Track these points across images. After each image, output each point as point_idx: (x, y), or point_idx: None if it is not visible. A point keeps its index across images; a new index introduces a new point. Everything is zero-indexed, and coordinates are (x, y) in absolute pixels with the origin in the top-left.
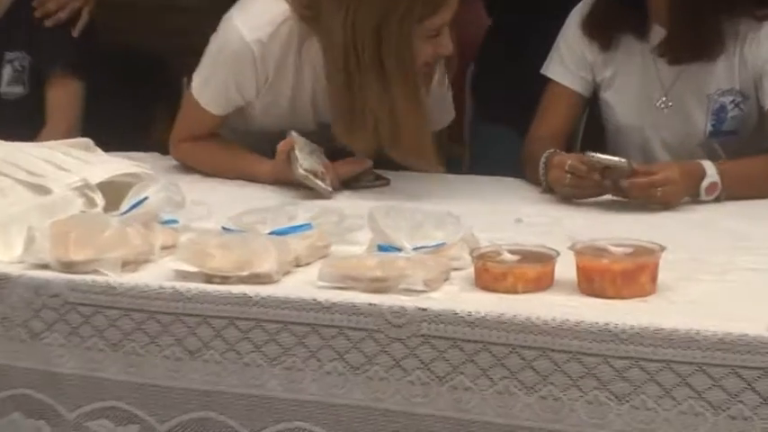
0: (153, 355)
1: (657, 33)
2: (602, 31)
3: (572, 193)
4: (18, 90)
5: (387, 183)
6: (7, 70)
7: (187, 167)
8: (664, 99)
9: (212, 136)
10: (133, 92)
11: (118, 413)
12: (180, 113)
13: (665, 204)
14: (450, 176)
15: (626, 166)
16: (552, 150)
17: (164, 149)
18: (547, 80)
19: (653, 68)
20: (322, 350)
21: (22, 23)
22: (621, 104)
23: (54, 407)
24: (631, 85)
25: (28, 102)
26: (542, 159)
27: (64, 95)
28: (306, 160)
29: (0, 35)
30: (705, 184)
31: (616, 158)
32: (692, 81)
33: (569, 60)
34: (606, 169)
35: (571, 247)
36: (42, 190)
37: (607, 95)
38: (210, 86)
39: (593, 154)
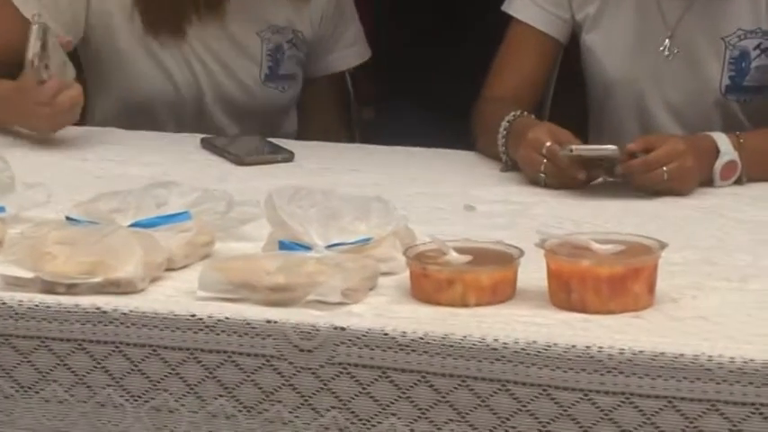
0: None
1: None
2: None
3: (547, 182)
4: None
5: (290, 157)
6: None
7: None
8: (667, 43)
9: None
10: None
11: None
12: None
13: (678, 190)
14: (376, 148)
15: (616, 153)
16: (517, 113)
17: None
18: (507, 19)
19: (653, 1)
20: (204, 384)
21: None
22: (610, 51)
23: None
24: (624, 24)
25: None
26: (502, 125)
27: None
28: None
29: None
30: (720, 164)
31: (603, 147)
32: (704, 18)
33: None
34: (593, 161)
35: (540, 244)
36: None
37: (590, 39)
38: None
39: (574, 147)
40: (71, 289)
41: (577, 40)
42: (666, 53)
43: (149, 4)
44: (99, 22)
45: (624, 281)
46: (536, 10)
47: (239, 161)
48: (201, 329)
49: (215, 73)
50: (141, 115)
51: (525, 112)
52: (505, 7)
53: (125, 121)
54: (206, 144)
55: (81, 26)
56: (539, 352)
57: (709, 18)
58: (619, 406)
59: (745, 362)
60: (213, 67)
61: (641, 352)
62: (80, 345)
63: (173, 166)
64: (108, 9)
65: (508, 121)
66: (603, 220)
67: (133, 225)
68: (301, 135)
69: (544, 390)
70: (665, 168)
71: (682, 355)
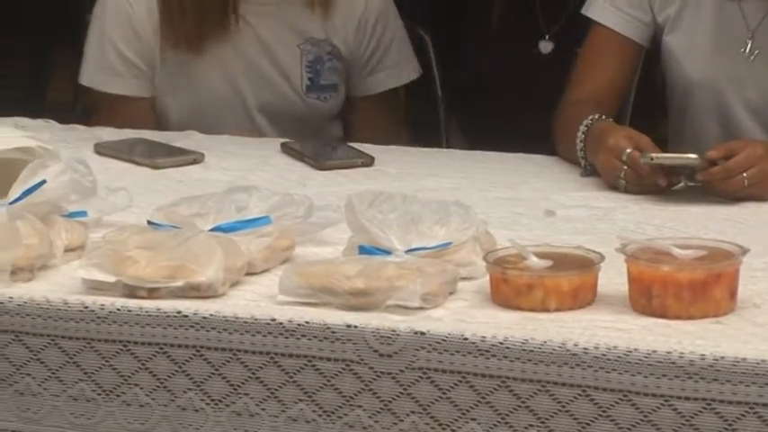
0: (53, 394)
1: None
2: None
3: (628, 188)
4: None
5: (370, 162)
6: None
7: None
8: (748, 44)
9: None
10: (24, 34)
11: None
12: None
13: (759, 195)
14: (456, 152)
15: (697, 162)
16: (595, 116)
17: (60, 114)
18: (588, 23)
19: (733, 2)
20: (284, 388)
21: None
22: (690, 52)
23: None
24: (704, 25)
25: None
26: (581, 129)
27: None
28: None
29: None
30: None
31: (684, 155)
32: None
33: None
34: (673, 168)
35: (621, 249)
36: None
37: (670, 41)
38: None
39: (655, 155)
40: (152, 293)
41: (658, 42)
42: (748, 54)
43: (170, 21)
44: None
45: (705, 286)
46: (616, 13)
47: (319, 165)
48: (282, 334)
49: (257, 86)
50: (207, 117)
51: (603, 116)
52: (585, 10)
53: (198, 122)
54: (285, 148)
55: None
56: (619, 357)
57: None
58: (700, 412)
59: None
60: (255, 80)
61: (723, 358)
62: (161, 348)
63: (252, 171)
64: None
65: (586, 125)
66: (684, 226)
67: (214, 229)
68: None
69: (625, 395)
70: (744, 174)
71: (763, 360)
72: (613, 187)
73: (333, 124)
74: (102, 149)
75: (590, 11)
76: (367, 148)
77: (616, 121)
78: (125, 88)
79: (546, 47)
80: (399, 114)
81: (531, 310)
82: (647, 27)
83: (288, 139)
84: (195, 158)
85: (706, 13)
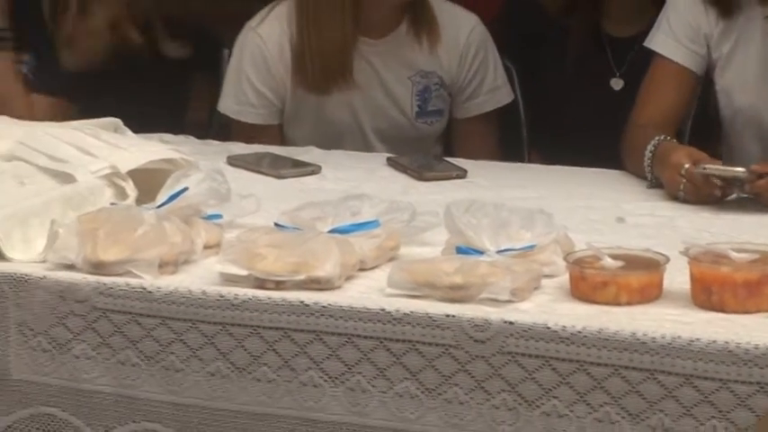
0: (194, 370)
1: None
2: None
3: (686, 198)
4: None
5: (463, 174)
6: None
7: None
8: None
9: None
10: (167, 63)
11: None
12: None
13: None
14: (539, 167)
15: (744, 174)
16: (661, 137)
17: (199, 132)
18: (651, 57)
19: None
20: (391, 368)
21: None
22: (739, 86)
23: (81, 429)
24: (752, 60)
25: None
26: (649, 148)
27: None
28: None
29: None
30: None
31: (732, 168)
32: None
33: (680, 31)
34: (724, 180)
35: (684, 252)
36: (66, 178)
37: (723, 77)
38: None
39: (707, 166)
40: (279, 285)
41: (711, 75)
42: None
43: (300, 68)
44: None
45: (759, 285)
46: (677, 46)
47: (420, 177)
48: (390, 321)
49: (374, 115)
50: (328, 141)
51: (668, 137)
52: (647, 43)
53: (319, 144)
54: (390, 162)
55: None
56: (683, 345)
57: None
58: (754, 394)
59: None
60: (372, 110)
61: None
62: (286, 333)
63: (362, 181)
64: None
65: (654, 146)
66: (738, 233)
67: (331, 231)
68: None
69: (687, 379)
70: None
71: None
72: (675, 198)
73: (436, 144)
74: (233, 161)
75: (653, 43)
76: (461, 162)
77: (678, 141)
78: (256, 117)
79: (617, 84)
80: (495, 134)
81: (605, 303)
82: (702, 59)
83: (393, 155)
84: (313, 170)
85: (755, 49)
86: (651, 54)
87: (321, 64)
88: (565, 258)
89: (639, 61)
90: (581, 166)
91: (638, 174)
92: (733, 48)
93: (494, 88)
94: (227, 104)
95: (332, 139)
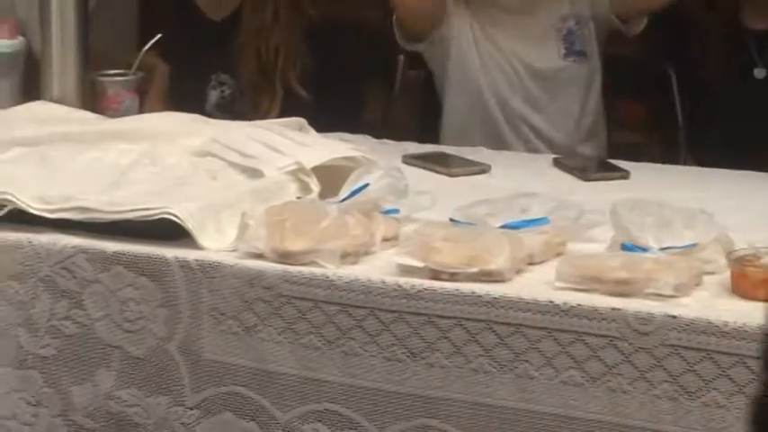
0: (372, 355)
1: None
2: None
3: None
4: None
5: (627, 175)
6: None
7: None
8: None
9: None
10: (346, 68)
11: (333, 417)
12: None
13: None
14: (698, 169)
15: None
16: None
17: (375, 132)
18: None
19: None
20: (558, 357)
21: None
22: None
23: (267, 408)
24: None
25: None
26: None
27: None
28: None
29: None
30: None
31: None
32: None
33: None
34: None
35: None
36: (254, 173)
37: None
38: None
39: None
40: (453, 276)
41: None
42: None
43: None
44: None
45: None
46: None
47: (585, 177)
48: (557, 313)
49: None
50: None
51: None
52: None
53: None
54: (556, 162)
55: None
56: None
57: None
58: None
59: None
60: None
61: None
62: (459, 322)
63: (530, 180)
64: None
65: None
66: None
67: (502, 226)
68: None
69: None
70: None
71: None
72: None
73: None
74: (407, 160)
75: None
76: (622, 164)
77: None
78: None
79: (760, 73)
80: None
81: (766, 300)
82: None
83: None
84: (483, 169)
85: None
86: None
87: None
88: (726, 256)
89: None
90: (733, 156)
91: None
92: None
93: None
94: None
95: None
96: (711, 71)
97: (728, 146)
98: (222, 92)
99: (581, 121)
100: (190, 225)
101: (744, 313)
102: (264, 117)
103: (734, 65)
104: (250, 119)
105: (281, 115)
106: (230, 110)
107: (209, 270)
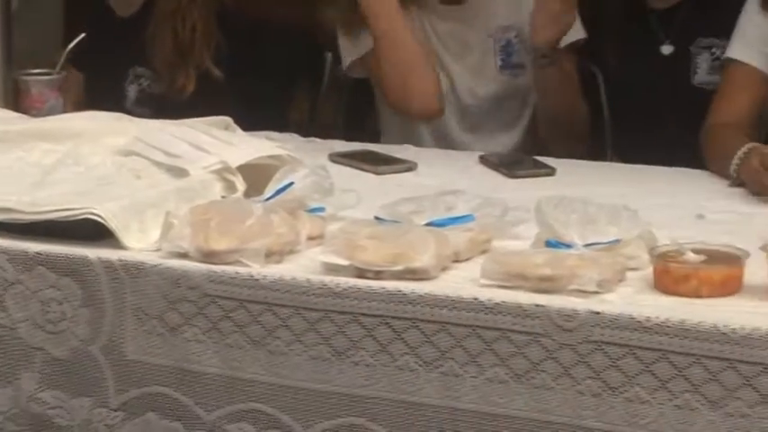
0: (298, 354)
1: None
2: None
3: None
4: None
5: (552, 172)
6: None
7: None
8: None
9: None
10: (272, 66)
11: (259, 416)
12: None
13: None
14: (624, 166)
15: None
16: (753, 145)
17: (302, 130)
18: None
19: None
20: (483, 354)
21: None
22: None
23: (191, 408)
24: None
25: None
26: (739, 154)
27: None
28: None
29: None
30: None
31: None
32: None
33: (752, 37)
34: None
35: (763, 248)
36: (179, 172)
37: None
38: None
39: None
40: (378, 275)
41: None
42: None
43: None
44: None
45: None
46: (748, 50)
47: (511, 174)
48: (482, 310)
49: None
50: None
51: (759, 145)
52: (728, 54)
53: None
54: (482, 159)
55: None
56: (761, 336)
57: None
58: None
59: None
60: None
61: None
62: (384, 320)
63: (456, 178)
64: None
65: (744, 153)
66: None
67: (428, 224)
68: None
69: (765, 368)
70: None
71: None
72: (757, 194)
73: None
74: (334, 158)
75: (729, 52)
76: (549, 161)
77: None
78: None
79: (667, 49)
80: (574, 74)
81: (687, 296)
82: None
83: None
84: (410, 167)
85: None
86: (703, 30)
87: None
88: (649, 252)
89: (686, 28)
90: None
91: (720, 173)
92: None
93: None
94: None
95: None
96: (621, 54)
97: (649, 139)
98: (140, 84)
99: (515, 136)
100: (113, 225)
101: (666, 308)
102: (180, 95)
103: (642, 44)
104: (168, 102)
105: (195, 96)
106: (150, 104)
107: (133, 270)
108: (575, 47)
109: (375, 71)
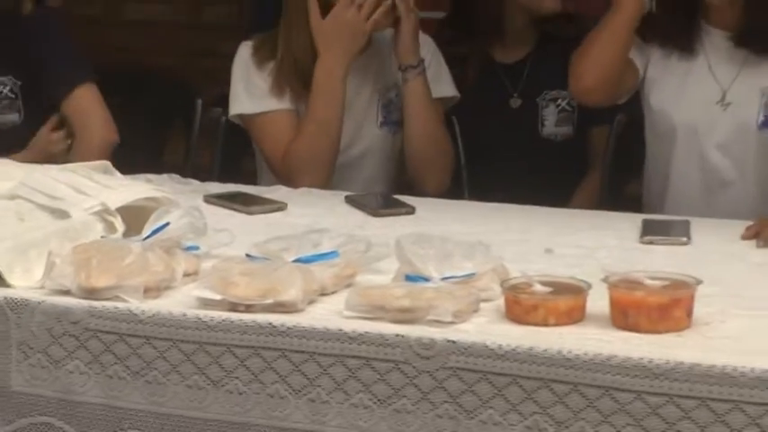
0: (175, 384)
1: (716, 36)
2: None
3: None
4: (12, 118)
5: (412, 211)
6: None
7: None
8: (721, 98)
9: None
10: (146, 112)
11: None
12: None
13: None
14: (479, 204)
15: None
16: None
17: (180, 172)
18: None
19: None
20: (348, 381)
21: (5, 43)
22: (669, 106)
23: None
24: (678, 85)
25: (23, 130)
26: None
27: (93, 100)
28: None
29: None
30: None
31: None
32: (753, 77)
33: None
34: None
35: (605, 280)
36: (62, 214)
37: (653, 97)
38: None
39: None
40: (249, 308)
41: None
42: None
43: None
44: None
45: (669, 308)
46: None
47: (374, 213)
48: (346, 340)
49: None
50: None
51: None
52: None
53: None
54: (348, 200)
55: None
56: (603, 361)
57: (757, 77)
58: (664, 404)
59: (763, 371)
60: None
61: (681, 363)
62: (256, 351)
63: (323, 216)
64: None
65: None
66: (651, 261)
67: (295, 261)
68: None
69: (606, 390)
70: None
71: (713, 365)
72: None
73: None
74: (209, 199)
75: None
76: (409, 200)
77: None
78: (273, 104)
79: (515, 102)
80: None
81: (536, 324)
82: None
83: (350, 193)
84: (280, 207)
85: (679, 77)
86: (548, 83)
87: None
88: (501, 285)
89: (532, 82)
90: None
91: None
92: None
93: (437, 79)
94: (241, 105)
95: None
96: (476, 106)
97: (503, 186)
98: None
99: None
100: None
101: (516, 337)
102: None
103: (493, 97)
104: None
105: None
106: (16, 107)
107: (17, 307)
108: (443, 101)
109: (261, 138)
